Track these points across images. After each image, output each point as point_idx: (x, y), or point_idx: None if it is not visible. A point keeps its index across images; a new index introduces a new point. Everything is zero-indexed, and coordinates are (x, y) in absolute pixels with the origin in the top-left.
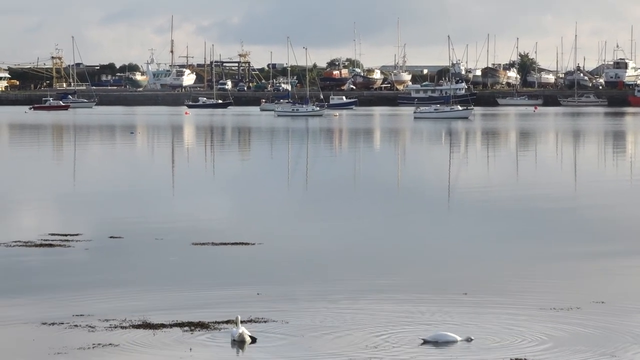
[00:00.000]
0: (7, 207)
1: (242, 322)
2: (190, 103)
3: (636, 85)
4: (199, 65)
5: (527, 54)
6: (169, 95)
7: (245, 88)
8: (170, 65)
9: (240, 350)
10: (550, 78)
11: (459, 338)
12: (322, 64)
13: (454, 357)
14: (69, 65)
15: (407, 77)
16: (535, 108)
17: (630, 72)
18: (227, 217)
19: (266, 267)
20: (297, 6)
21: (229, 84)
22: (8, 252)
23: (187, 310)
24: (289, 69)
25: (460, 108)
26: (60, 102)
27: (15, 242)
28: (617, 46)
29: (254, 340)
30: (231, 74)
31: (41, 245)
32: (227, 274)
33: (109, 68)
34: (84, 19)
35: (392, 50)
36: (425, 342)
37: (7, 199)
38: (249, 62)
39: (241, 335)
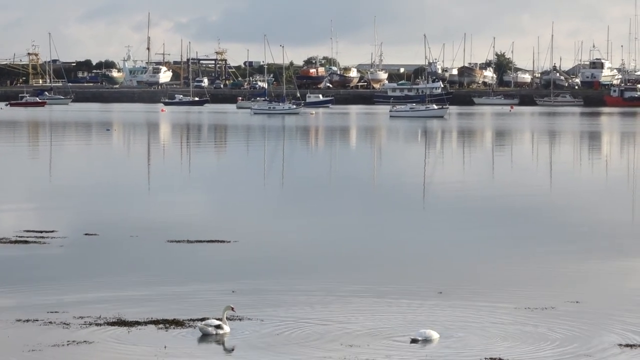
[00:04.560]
0: None
1: (218, 318)
2: (167, 100)
3: (612, 85)
4: (175, 63)
5: (504, 53)
6: (145, 92)
7: (222, 86)
8: (146, 63)
9: (215, 347)
10: (527, 78)
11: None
12: (299, 62)
13: (428, 356)
14: (45, 62)
15: (383, 75)
16: (511, 107)
17: (606, 72)
18: (203, 214)
19: (241, 264)
20: (275, 4)
21: (205, 82)
22: None
23: (162, 308)
24: (265, 66)
25: (435, 107)
26: (37, 98)
27: None
28: (594, 46)
29: (219, 327)
30: (208, 71)
31: (16, 242)
32: (202, 272)
33: (86, 65)
34: (63, 16)
35: (369, 48)
36: (414, 340)
37: None
38: (225, 60)
39: (203, 328)
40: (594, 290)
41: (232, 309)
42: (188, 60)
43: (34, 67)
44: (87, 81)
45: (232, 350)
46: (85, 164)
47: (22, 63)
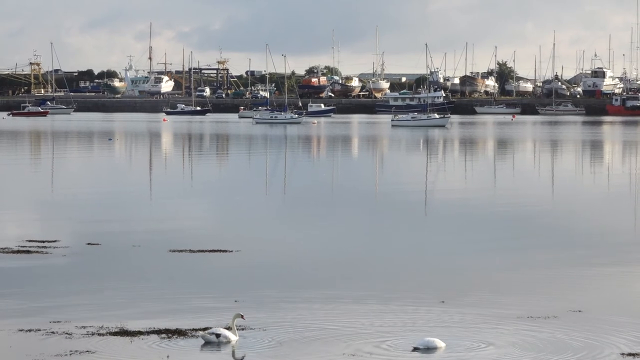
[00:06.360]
0: None
1: (228, 327)
2: (169, 110)
3: (614, 94)
4: (177, 72)
5: (506, 62)
6: (147, 101)
7: (224, 95)
8: (148, 72)
9: (217, 356)
10: (528, 87)
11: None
12: (301, 71)
13: None
14: (47, 72)
15: (385, 85)
16: (513, 116)
17: (607, 81)
18: (205, 224)
19: (244, 274)
20: (277, 14)
21: (207, 91)
22: None
23: (164, 317)
24: (267, 76)
25: (437, 116)
26: (39, 108)
27: None
28: (595, 55)
29: (217, 336)
30: (209, 81)
31: (19, 251)
32: (205, 281)
33: (87, 74)
34: (65, 26)
35: (371, 58)
36: (416, 349)
37: None
38: (227, 69)
39: (205, 336)
40: (596, 299)
41: (242, 316)
42: (190, 69)
43: (35, 77)
44: (89, 91)
45: (235, 359)
46: (88, 173)
47: (24, 73)
